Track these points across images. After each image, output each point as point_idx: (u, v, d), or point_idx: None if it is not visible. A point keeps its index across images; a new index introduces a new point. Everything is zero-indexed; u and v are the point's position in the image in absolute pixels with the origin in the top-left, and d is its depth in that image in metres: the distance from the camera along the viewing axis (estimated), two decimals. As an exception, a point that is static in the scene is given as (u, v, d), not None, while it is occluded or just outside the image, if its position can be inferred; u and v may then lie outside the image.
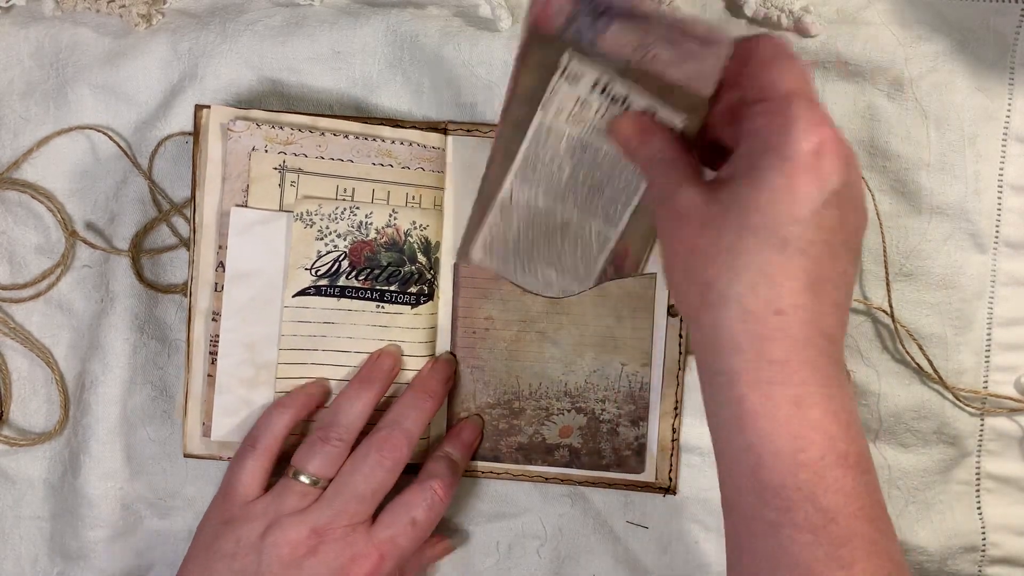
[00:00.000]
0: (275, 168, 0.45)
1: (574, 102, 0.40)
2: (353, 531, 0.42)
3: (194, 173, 0.45)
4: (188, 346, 0.46)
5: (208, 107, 0.45)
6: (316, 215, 0.45)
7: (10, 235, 0.49)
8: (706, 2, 0.48)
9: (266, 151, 0.45)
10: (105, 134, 0.48)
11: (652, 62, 0.38)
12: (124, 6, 0.48)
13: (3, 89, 0.49)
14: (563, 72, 0.39)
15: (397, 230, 0.46)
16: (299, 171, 0.45)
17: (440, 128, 0.47)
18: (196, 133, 0.45)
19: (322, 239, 0.45)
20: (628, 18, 0.37)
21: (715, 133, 0.39)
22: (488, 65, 0.47)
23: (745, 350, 0.33)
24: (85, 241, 0.49)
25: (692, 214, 0.35)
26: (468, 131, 0.47)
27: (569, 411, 0.48)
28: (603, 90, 0.39)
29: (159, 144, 0.48)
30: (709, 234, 0.34)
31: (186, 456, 0.46)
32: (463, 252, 0.46)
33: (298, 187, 0.45)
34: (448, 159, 0.47)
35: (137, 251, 0.49)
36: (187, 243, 0.48)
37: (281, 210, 0.45)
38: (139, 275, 0.49)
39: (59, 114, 0.49)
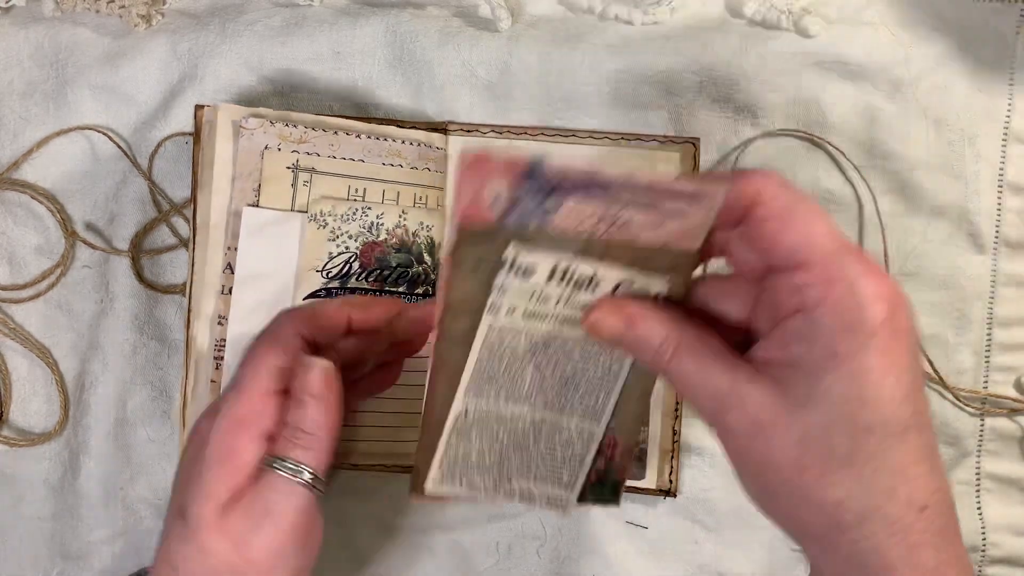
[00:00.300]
0: (288, 167, 0.44)
1: (529, 297, 0.33)
2: None
3: (194, 173, 0.45)
4: (187, 349, 0.45)
5: (205, 107, 0.45)
6: (330, 216, 0.44)
7: (10, 235, 0.49)
8: (706, 3, 0.48)
9: (279, 149, 0.44)
10: (105, 134, 0.48)
11: (621, 231, 0.32)
12: (124, 6, 0.48)
13: (3, 89, 0.49)
14: (510, 268, 0.32)
15: (406, 231, 0.46)
16: (312, 170, 0.44)
17: (440, 128, 0.47)
18: (196, 133, 0.45)
19: (334, 240, 0.45)
20: (585, 191, 0.31)
21: (713, 300, 0.34)
22: (488, 65, 0.47)
23: (898, 567, 0.29)
24: (85, 241, 0.49)
25: (777, 425, 0.30)
26: (468, 131, 0.47)
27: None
28: (563, 277, 0.32)
29: (159, 144, 0.48)
30: (815, 448, 0.30)
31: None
32: (415, 486, 0.37)
33: (311, 187, 0.44)
34: (449, 159, 0.47)
35: (137, 251, 0.49)
36: (187, 243, 0.48)
37: (294, 210, 0.44)
38: (139, 275, 0.49)
39: (59, 114, 0.48)
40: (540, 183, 0.30)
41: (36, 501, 0.50)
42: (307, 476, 0.36)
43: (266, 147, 0.44)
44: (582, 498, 0.39)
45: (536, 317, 0.34)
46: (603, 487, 0.39)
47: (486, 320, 0.34)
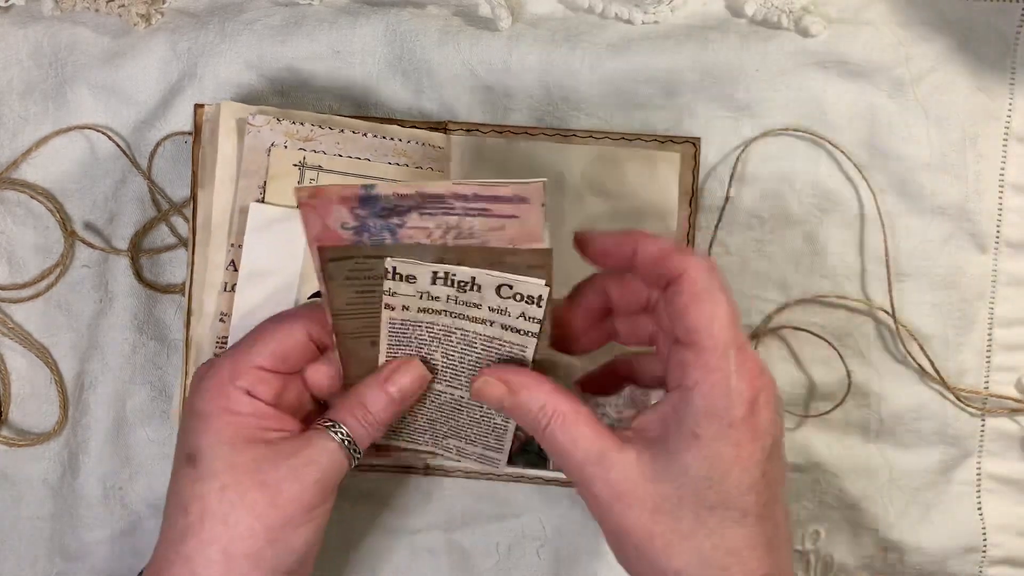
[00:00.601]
0: (295, 165, 0.44)
1: (419, 297, 0.37)
2: None
3: (194, 172, 0.45)
4: (186, 349, 0.45)
5: (206, 105, 0.45)
6: None
7: (9, 235, 0.49)
8: (707, 2, 0.48)
9: (286, 147, 0.43)
10: (104, 134, 0.48)
11: (469, 238, 0.35)
12: (123, 6, 0.48)
13: (2, 89, 0.49)
14: (394, 275, 0.36)
15: None
16: (319, 168, 0.44)
17: (441, 128, 0.47)
18: (196, 132, 0.45)
19: None
20: (421, 206, 0.34)
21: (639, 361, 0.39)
22: (488, 65, 0.47)
23: None
24: (84, 241, 0.49)
25: (636, 494, 0.34)
26: (468, 131, 0.47)
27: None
28: (445, 281, 0.36)
29: (158, 144, 0.48)
30: (664, 520, 0.33)
31: None
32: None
33: (316, 185, 0.44)
34: (450, 159, 0.47)
35: (136, 251, 0.49)
36: (186, 243, 0.48)
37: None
38: (138, 275, 0.49)
39: (58, 114, 0.48)
40: (377, 207, 0.34)
41: (35, 501, 0.50)
42: (352, 447, 0.39)
43: (272, 144, 0.43)
44: (511, 461, 0.44)
45: (430, 312, 0.37)
46: (528, 452, 0.44)
47: (385, 314, 0.38)
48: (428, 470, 0.48)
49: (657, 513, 0.34)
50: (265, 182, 0.43)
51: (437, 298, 0.36)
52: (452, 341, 0.38)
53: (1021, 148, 0.47)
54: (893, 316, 0.47)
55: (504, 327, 0.37)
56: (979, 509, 0.49)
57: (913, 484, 0.48)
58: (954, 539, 0.48)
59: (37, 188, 0.49)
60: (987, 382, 0.48)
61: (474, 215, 0.34)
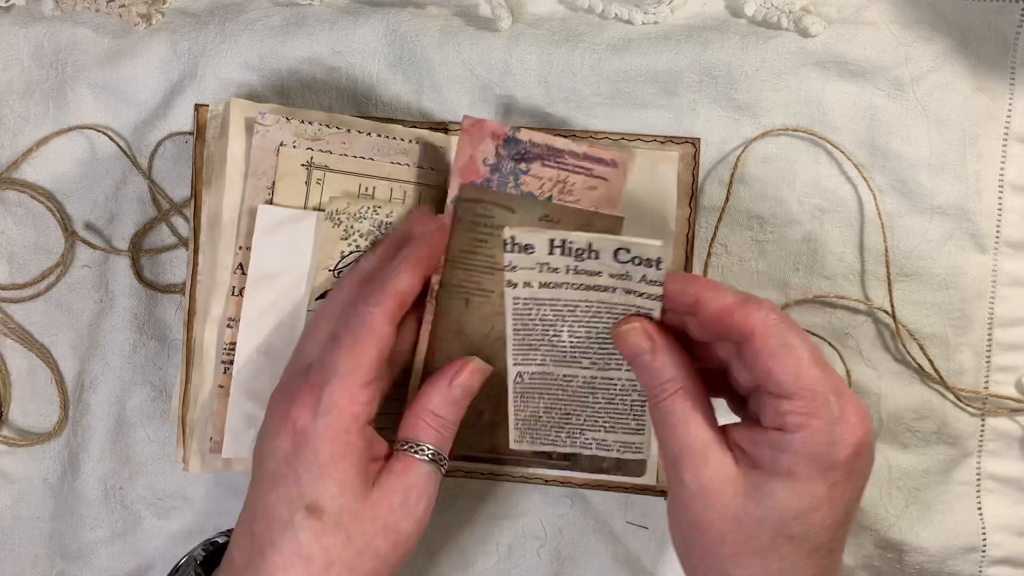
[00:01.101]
0: (302, 165, 0.43)
1: (538, 270, 0.38)
2: None
3: (195, 172, 0.45)
4: (186, 352, 0.45)
5: (208, 105, 0.45)
6: (344, 214, 0.44)
7: (10, 235, 0.49)
8: (706, 2, 0.48)
9: (294, 146, 0.43)
10: (104, 134, 0.48)
11: (567, 195, 0.42)
12: (124, 6, 0.48)
13: (3, 89, 0.49)
14: (512, 246, 0.37)
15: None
16: (325, 168, 0.43)
17: (441, 128, 0.47)
18: (197, 132, 0.45)
19: (346, 239, 0.44)
20: (544, 156, 0.42)
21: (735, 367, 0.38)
22: (488, 65, 0.47)
23: None
24: (84, 241, 0.49)
25: (723, 497, 0.35)
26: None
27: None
28: (562, 248, 0.37)
29: (159, 144, 0.48)
30: (741, 531, 0.34)
31: (185, 469, 0.44)
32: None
33: (324, 185, 0.43)
34: (450, 159, 0.47)
35: (136, 251, 0.49)
36: (187, 243, 0.48)
37: (307, 208, 0.43)
38: (138, 275, 0.49)
39: (58, 114, 0.48)
40: (515, 150, 0.41)
41: (35, 501, 0.50)
42: (439, 458, 0.40)
43: (281, 144, 0.42)
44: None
45: (552, 287, 0.38)
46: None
47: (509, 294, 0.39)
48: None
49: (736, 523, 0.34)
50: (273, 182, 0.43)
51: (557, 269, 0.37)
52: (577, 315, 0.39)
53: (1021, 148, 0.47)
54: (893, 316, 0.47)
55: (628, 291, 0.37)
56: (979, 509, 0.49)
57: (913, 484, 0.48)
58: (954, 539, 0.48)
59: (37, 188, 0.49)
60: (987, 382, 0.48)
61: (579, 172, 0.42)
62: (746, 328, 0.34)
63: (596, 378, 0.41)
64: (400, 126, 0.46)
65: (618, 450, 0.43)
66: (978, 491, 0.49)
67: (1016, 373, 0.48)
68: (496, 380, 0.42)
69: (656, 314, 0.38)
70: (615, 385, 0.41)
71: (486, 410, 0.45)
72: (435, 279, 0.42)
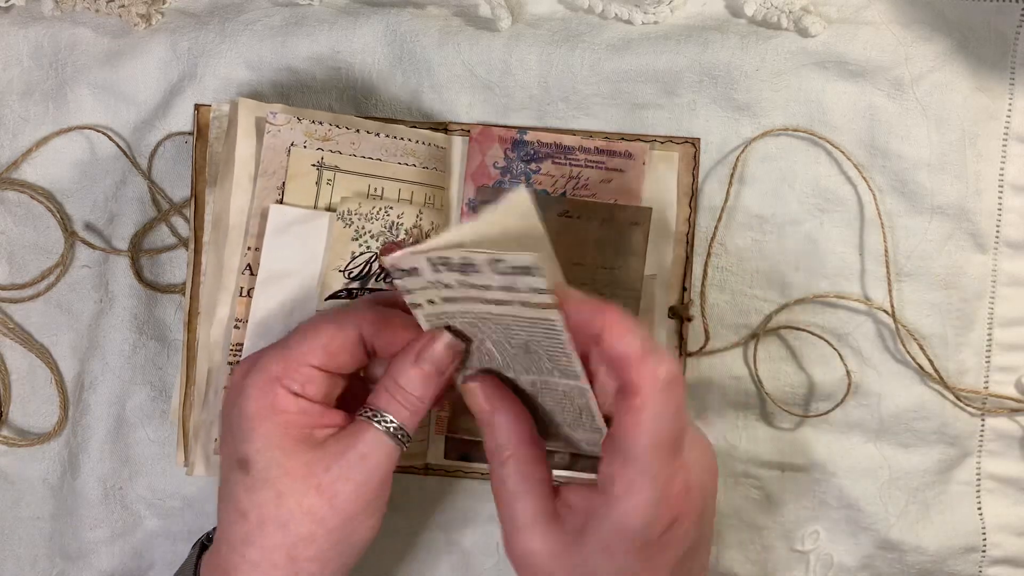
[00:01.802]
0: (313, 165, 0.43)
1: (433, 286, 0.36)
2: None
3: (195, 172, 0.45)
4: (186, 352, 0.45)
5: (204, 106, 0.45)
6: (355, 215, 0.43)
7: (9, 235, 0.49)
8: (706, 2, 0.48)
9: (305, 147, 0.42)
10: (104, 134, 0.48)
11: (584, 188, 0.44)
12: (123, 6, 0.48)
13: (2, 89, 0.49)
14: (397, 272, 0.35)
15: (421, 231, 0.46)
16: (336, 168, 0.43)
17: (441, 128, 0.47)
18: (197, 132, 0.45)
19: (357, 239, 0.43)
20: (554, 155, 0.44)
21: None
22: (488, 65, 0.47)
23: None
24: (84, 241, 0.49)
25: (545, 570, 0.35)
26: (468, 132, 0.47)
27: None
28: (445, 264, 0.34)
29: (158, 144, 0.48)
30: None
31: (189, 474, 0.44)
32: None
33: (334, 185, 0.43)
34: (450, 159, 0.47)
35: (136, 251, 0.49)
36: (187, 243, 0.48)
37: (318, 208, 0.43)
38: (138, 275, 0.49)
39: (58, 114, 0.48)
40: (523, 151, 0.43)
41: (35, 501, 0.50)
42: (399, 433, 0.38)
43: (292, 144, 0.42)
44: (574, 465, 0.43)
45: (454, 301, 0.36)
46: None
47: (419, 316, 0.37)
48: (428, 470, 0.48)
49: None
50: (284, 182, 0.42)
51: (450, 285, 0.35)
52: (492, 327, 0.37)
53: (1021, 148, 0.47)
54: (893, 316, 0.47)
55: (523, 304, 0.34)
56: (979, 509, 0.49)
57: (913, 484, 0.48)
58: (954, 539, 0.48)
59: (37, 188, 0.49)
60: (987, 382, 0.48)
61: (592, 167, 0.44)
62: (633, 385, 0.33)
63: (536, 383, 0.38)
64: (405, 127, 0.46)
65: (584, 447, 0.41)
66: (978, 491, 0.49)
67: (1016, 373, 0.48)
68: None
69: (559, 323, 0.34)
70: (557, 388, 0.38)
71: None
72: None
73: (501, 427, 0.37)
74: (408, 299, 0.36)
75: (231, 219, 0.42)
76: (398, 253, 0.34)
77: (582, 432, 0.39)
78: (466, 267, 0.34)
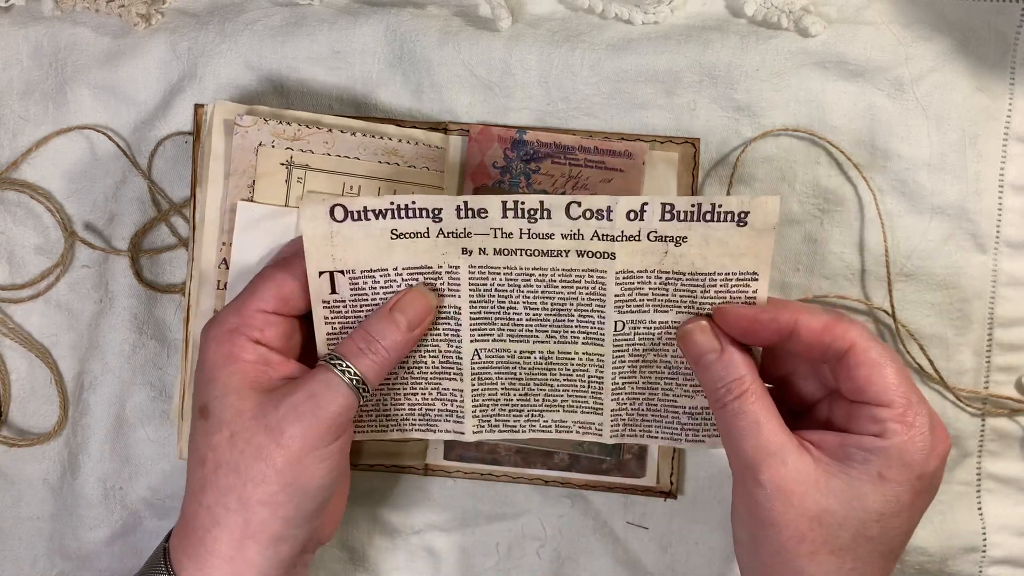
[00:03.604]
0: (282, 164, 0.44)
1: (493, 234, 0.38)
2: None
3: (194, 172, 0.45)
4: (185, 347, 0.45)
5: (203, 106, 0.45)
6: None
7: (9, 235, 0.49)
8: (706, 2, 0.48)
9: (273, 146, 0.44)
10: (104, 134, 0.48)
11: (584, 188, 0.44)
12: (123, 6, 0.48)
13: (2, 89, 0.49)
14: (466, 211, 0.37)
15: None
16: (306, 167, 0.45)
17: (441, 128, 0.47)
18: (196, 132, 0.45)
19: None
20: (554, 154, 0.44)
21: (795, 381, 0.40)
22: (488, 65, 0.47)
23: None
24: (84, 241, 0.49)
25: (803, 497, 0.35)
26: (467, 131, 0.47)
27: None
28: (515, 210, 0.37)
29: (158, 144, 0.48)
30: (821, 531, 0.35)
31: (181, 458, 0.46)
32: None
33: (304, 183, 0.45)
34: (449, 159, 0.47)
35: (136, 251, 0.49)
36: (186, 243, 0.48)
37: (288, 206, 0.44)
38: (138, 275, 0.49)
39: (58, 114, 0.48)
40: (523, 151, 0.43)
41: (35, 501, 0.50)
42: (356, 381, 0.38)
43: (260, 144, 0.44)
44: (575, 466, 0.46)
45: (506, 253, 0.38)
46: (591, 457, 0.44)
47: (464, 263, 0.38)
48: (428, 470, 0.48)
49: (816, 522, 0.35)
50: (254, 180, 0.44)
51: (510, 234, 0.37)
52: (532, 285, 0.39)
53: (1021, 148, 0.47)
54: (893, 316, 0.47)
55: (580, 253, 0.37)
56: (979, 509, 0.49)
57: (913, 484, 0.48)
58: (954, 539, 0.48)
59: (37, 188, 0.49)
60: (987, 382, 0.48)
61: (591, 167, 0.44)
62: (845, 343, 0.36)
63: (553, 353, 0.40)
64: (392, 126, 0.46)
65: (578, 431, 0.42)
66: (978, 491, 0.49)
67: (1016, 373, 0.48)
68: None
69: (610, 286, 0.38)
70: (572, 360, 0.41)
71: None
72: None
73: (736, 359, 0.37)
74: (464, 243, 0.38)
75: (208, 215, 0.44)
76: (468, 195, 0.37)
77: (580, 414, 0.42)
78: (538, 212, 0.36)
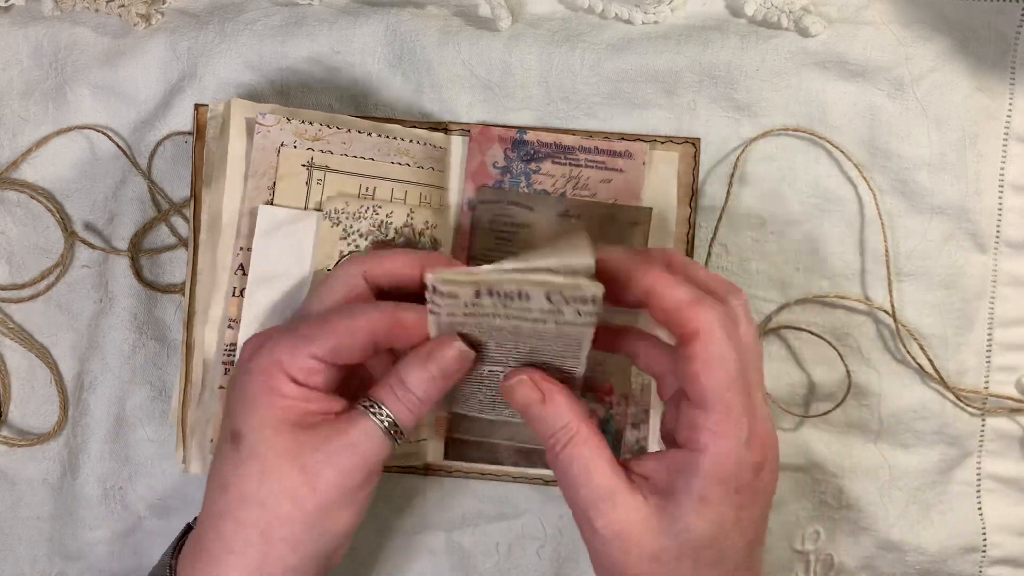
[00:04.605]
0: (303, 165, 0.43)
1: (464, 306, 0.35)
2: None
3: (195, 172, 0.45)
4: (185, 349, 0.45)
5: (208, 104, 0.45)
6: (343, 214, 0.43)
7: (9, 235, 0.49)
8: (706, 2, 0.48)
9: (295, 147, 0.43)
10: (104, 134, 0.48)
11: (584, 188, 0.44)
12: (123, 6, 0.48)
13: (2, 89, 0.49)
14: (434, 292, 0.35)
15: (413, 230, 0.46)
16: (326, 168, 0.43)
17: (441, 128, 0.47)
18: (197, 132, 0.45)
19: (345, 239, 0.43)
20: (554, 155, 0.44)
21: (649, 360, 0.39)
22: (488, 65, 0.47)
23: None
24: (84, 241, 0.49)
25: (638, 539, 0.35)
26: (468, 131, 0.47)
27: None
28: (489, 294, 0.34)
29: (158, 144, 0.48)
30: (661, 567, 0.34)
31: (187, 472, 0.44)
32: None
33: (324, 185, 0.43)
34: (450, 159, 0.47)
35: (136, 251, 0.49)
36: (186, 243, 0.48)
37: (308, 208, 0.43)
38: (138, 275, 0.49)
39: (58, 114, 0.48)
40: (523, 151, 0.44)
41: (35, 501, 0.50)
42: (394, 429, 0.37)
43: (282, 144, 0.42)
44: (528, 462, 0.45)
45: (477, 316, 0.36)
46: (605, 436, 0.41)
47: (431, 320, 0.37)
48: (428, 470, 0.48)
49: (655, 562, 0.34)
50: (274, 183, 0.43)
51: (484, 307, 0.35)
52: (505, 335, 0.37)
53: (1021, 148, 0.47)
54: (893, 316, 0.47)
55: (559, 323, 0.35)
56: (979, 509, 0.49)
57: (913, 484, 0.48)
58: (954, 539, 0.48)
59: (37, 188, 0.49)
60: (987, 382, 0.48)
61: (592, 167, 0.44)
62: (690, 329, 0.34)
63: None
64: (400, 126, 0.46)
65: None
66: (978, 491, 0.49)
67: (1016, 373, 0.48)
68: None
69: (586, 343, 0.36)
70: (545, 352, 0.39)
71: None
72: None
73: (561, 408, 0.36)
74: (429, 307, 0.36)
75: (224, 218, 0.42)
76: (440, 275, 0.34)
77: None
78: (515, 297, 0.34)
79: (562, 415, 0.36)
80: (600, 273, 0.34)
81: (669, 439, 0.39)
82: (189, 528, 0.41)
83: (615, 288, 0.36)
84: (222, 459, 0.37)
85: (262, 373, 0.37)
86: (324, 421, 0.37)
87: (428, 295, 0.35)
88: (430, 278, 0.34)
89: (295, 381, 0.37)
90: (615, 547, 0.35)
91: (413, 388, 0.38)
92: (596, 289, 0.33)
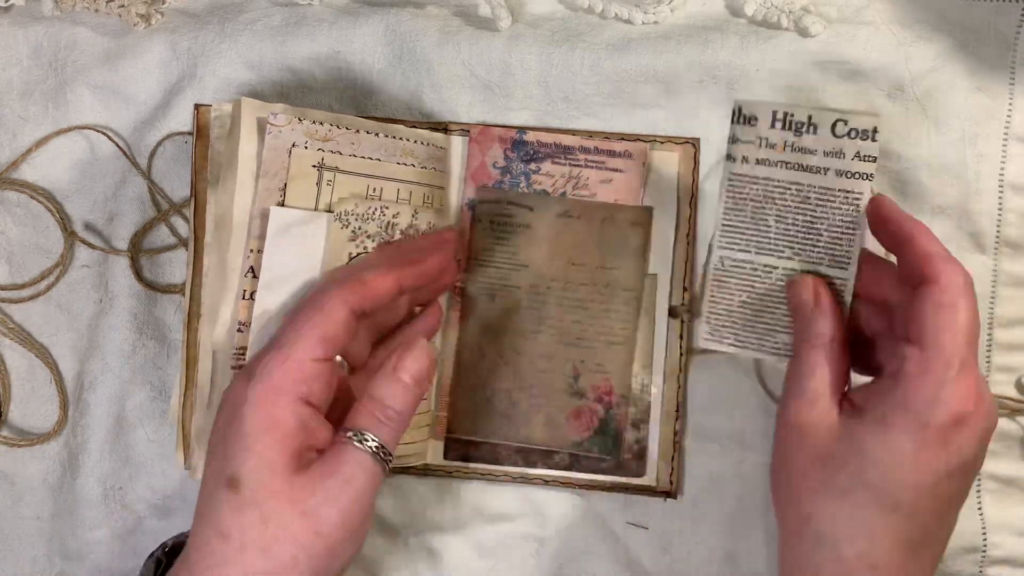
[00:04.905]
0: (314, 166, 0.42)
1: (759, 143, 0.39)
2: None
3: (194, 172, 0.45)
4: (186, 352, 0.45)
5: (206, 106, 0.45)
6: (352, 215, 0.43)
7: (9, 235, 0.49)
8: (706, 2, 0.48)
9: (306, 147, 0.42)
10: (104, 134, 0.48)
11: (584, 188, 0.45)
12: (123, 6, 0.48)
13: (2, 89, 0.49)
14: (739, 117, 0.39)
15: (417, 231, 0.45)
16: (336, 169, 0.43)
17: (441, 128, 0.47)
18: (197, 132, 0.45)
19: (354, 240, 0.43)
20: (554, 154, 0.45)
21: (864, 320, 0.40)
22: (488, 65, 0.47)
23: None
24: (84, 241, 0.49)
25: (813, 438, 0.36)
26: (468, 131, 0.47)
27: (569, 412, 0.47)
28: (783, 122, 0.39)
29: (158, 144, 0.48)
30: (822, 472, 0.36)
31: (192, 477, 0.44)
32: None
33: (334, 186, 0.43)
34: (451, 159, 0.47)
35: (136, 251, 0.49)
36: (186, 243, 0.48)
37: (318, 210, 0.43)
38: (138, 275, 0.49)
39: (58, 114, 0.48)
40: (523, 151, 0.44)
41: (35, 501, 0.50)
42: (383, 452, 0.37)
43: (294, 144, 0.42)
44: (582, 445, 0.47)
45: (767, 164, 0.39)
46: (604, 436, 0.43)
47: (728, 168, 0.40)
48: (428, 470, 0.48)
49: (820, 462, 0.36)
50: (285, 184, 0.42)
51: (774, 145, 0.39)
52: (786, 199, 0.40)
53: (1021, 148, 0.47)
54: (893, 316, 0.47)
55: (839, 173, 0.39)
56: (979, 509, 0.49)
57: (913, 484, 0.48)
58: (954, 539, 0.48)
59: (37, 188, 0.49)
60: (987, 382, 0.48)
61: (591, 167, 0.45)
62: (934, 276, 0.35)
63: (795, 272, 0.40)
64: (403, 126, 0.46)
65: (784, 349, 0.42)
66: (978, 491, 0.49)
67: (1016, 373, 0.48)
68: (527, 369, 0.42)
69: (863, 202, 0.39)
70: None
71: (522, 400, 0.46)
72: (461, 276, 0.46)
73: (827, 315, 0.38)
74: (730, 149, 0.39)
75: (234, 219, 0.42)
76: (743, 100, 0.39)
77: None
78: (805, 126, 0.38)
79: (823, 324, 0.38)
80: (871, 212, 0.38)
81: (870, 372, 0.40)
82: (158, 562, 0.41)
83: (877, 225, 0.38)
84: (218, 503, 0.36)
85: (260, 404, 0.36)
86: (316, 460, 0.37)
87: (732, 125, 0.39)
88: (737, 100, 0.39)
89: (297, 400, 0.37)
90: (794, 439, 0.37)
91: (391, 403, 0.38)
92: (878, 121, 0.37)
